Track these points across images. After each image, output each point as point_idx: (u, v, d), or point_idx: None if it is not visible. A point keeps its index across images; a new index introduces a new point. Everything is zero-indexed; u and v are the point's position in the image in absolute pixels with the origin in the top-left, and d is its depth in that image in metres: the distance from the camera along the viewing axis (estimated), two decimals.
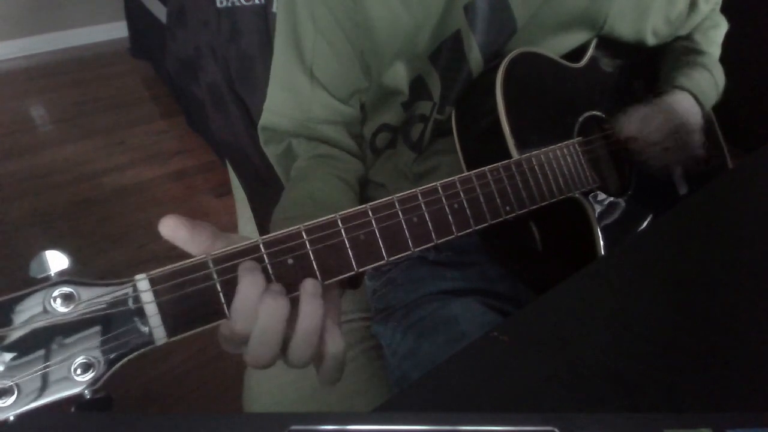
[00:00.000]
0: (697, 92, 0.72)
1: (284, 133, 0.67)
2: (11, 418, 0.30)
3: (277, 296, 0.36)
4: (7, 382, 0.30)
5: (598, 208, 0.63)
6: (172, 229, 0.36)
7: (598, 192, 0.64)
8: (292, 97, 0.65)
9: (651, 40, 0.76)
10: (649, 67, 0.80)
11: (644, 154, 0.68)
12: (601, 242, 0.61)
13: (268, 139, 0.69)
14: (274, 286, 0.37)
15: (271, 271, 0.38)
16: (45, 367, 0.31)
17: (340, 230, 0.41)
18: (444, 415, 0.29)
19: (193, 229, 0.37)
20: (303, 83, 0.64)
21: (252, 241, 0.38)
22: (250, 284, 0.36)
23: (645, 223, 0.69)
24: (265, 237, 0.38)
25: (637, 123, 0.67)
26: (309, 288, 0.38)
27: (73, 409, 0.32)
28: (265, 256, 0.38)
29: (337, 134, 0.66)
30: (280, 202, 0.58)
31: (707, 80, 0.75)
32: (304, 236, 0.39)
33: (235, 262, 0.37)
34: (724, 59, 0.83)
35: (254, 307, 0.36)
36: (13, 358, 0.31)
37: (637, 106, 0.68)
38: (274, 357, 0.37)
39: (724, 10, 0.85)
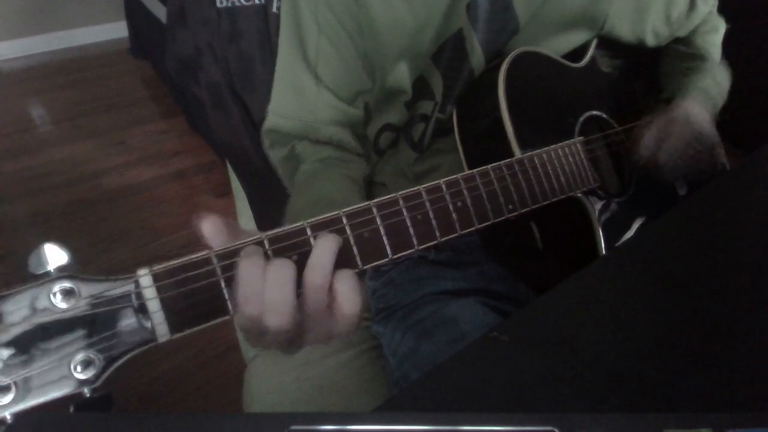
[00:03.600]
0: (704, 99, 0.72)
1: (289, 135, 0.66)
2: (8, 416, 0.29)
3: (281, 261, 0.37)
4: (5, 380, 0.30)
5: (598, 208, 0.63)
6: (215, 231, 0.37)
7: (599, 192, 0.64)
8: (298, 99, 0.65)
9: (651, 41, 0.76)
10: (650, 68, 0.80)
11: (664, 166, 0.67)
12: (602, 242, 0.61)
13: (274, 142, 0.68)
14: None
15: None
16: (44, 365, 0.31)
17: (344, 227, 0.40)
18: (444, 415, 0.29)
19: (232, 232, 0.37)
20: (308, 84, 0.63)
21: (256, 237, 0.38)
22: (251, 264, 0.36)
23: (644, 224, 0.69)
24: (269, 233, 0.38)
25: (649, 145, 0.66)
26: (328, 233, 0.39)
27: (72, 408, 0.32)
28: (269, 252, 0.38)
29: (342, 135, 0.66)
30: (289, 207, 0.58)
31: (712, 86, 0.75)
32: (308, 232, 0.39)
33: (238, 258, 0.36)
34: (722, 59, 0.83)
35: (260, 286, 0.35)
36: (11, 355, 0.30)
37: (651, 122, 0.67)
38: (293, 329, 0.37)
39: (724, 10, 0.85)
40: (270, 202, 0.86)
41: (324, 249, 0.38)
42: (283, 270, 0.36)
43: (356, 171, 0.65)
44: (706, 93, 0.73)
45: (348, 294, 0.38)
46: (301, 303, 0.37)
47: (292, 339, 0.39)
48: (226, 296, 0.36)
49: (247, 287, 0.35)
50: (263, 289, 0.36)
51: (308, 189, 0.60)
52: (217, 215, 0.37)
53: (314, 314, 0.38)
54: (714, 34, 0.84)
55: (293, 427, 0.27)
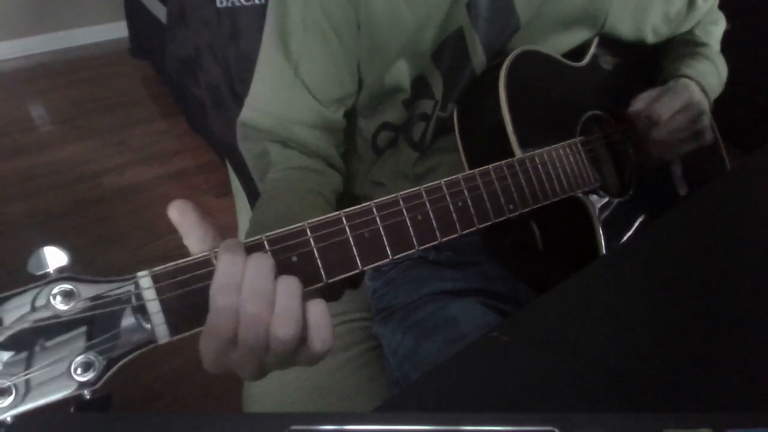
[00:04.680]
0: (701, 80, 0.72)
1: (262, 132, 0.64)
2: (8, 419, 0.29)
3: (262, 255, 0.35)
4: (5, 382, 0.29)
5: (599, 208, 0.63)
6: (181, 212, 0.36)
7: (599, 191, 0.64)
8: (274, 95, 0.64)
9: (651, 39, 0.76)
10: (651, 66, 0.80)
11: (654, 131, 0.68)
12: (603, 242, 0.61)
13: (245, 136, 0.67)
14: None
15: None
16: (44, 367, 0.31)
17: (344, 228, 0.40)
18: (444, 415, 0.29)
19: (202, 219, 0.36)
20: (286, 82, 0.62)
21: (256, 238, 0.38)
22: (231, 257, 0.34)
23: (645, 224, 0.69)
24: (268, 234, 0.38)
25: (648, 101, 0.68)
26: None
27: (72, 409, 0.31)
28: (269, 253, 0.38)
29: (314, 139, 0.64)
30: (255, 217, 0.55)
31: (710, 69, 0.76)
32: (309, 233, 0.39)
33: None
34: (723, 58, 0.83)
35: (238, 276, 0.34)
36: (11, 357, 0.30)
37: (648, 90, 0.69)
38: (265, 336, 0.34)
39: (724, 9, 0.85)
40: None
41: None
42: (263, 259, 0.35)
43: (327, 185, 0.63)
44: (702, 76, 0.74)
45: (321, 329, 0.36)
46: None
47: (260, 354, 0.35)
48: None
49: (226, 275, 0.34)
50: (243, 278, 0.34)
51: (275, 204, 0.57)
52: (184, 200, 0.36)
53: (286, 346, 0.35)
54: (714, 26, 0.84)
55: (293, 427, 0.27)
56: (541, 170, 0.55)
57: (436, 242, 0.45)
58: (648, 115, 0.67)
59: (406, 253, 0.43)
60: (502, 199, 0.50)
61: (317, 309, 0.36)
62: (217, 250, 0.35)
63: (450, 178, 0.47)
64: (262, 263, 0.35)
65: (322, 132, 0.64)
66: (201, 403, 1.28)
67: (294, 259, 0.38)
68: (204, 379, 1.32)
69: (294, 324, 0.35)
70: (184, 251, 0.36)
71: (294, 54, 0.61)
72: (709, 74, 0.75)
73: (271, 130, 0.64)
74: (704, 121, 0.70)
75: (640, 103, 0.68)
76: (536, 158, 0.55)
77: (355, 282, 0.49)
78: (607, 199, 0.65)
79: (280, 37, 0.62)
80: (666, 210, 0.61)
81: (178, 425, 0.28)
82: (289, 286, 0.35)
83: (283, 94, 0.63)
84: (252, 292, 0.34)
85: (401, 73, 0.64)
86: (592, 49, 0.71)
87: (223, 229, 0.38)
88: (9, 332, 0.30)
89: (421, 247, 0.44)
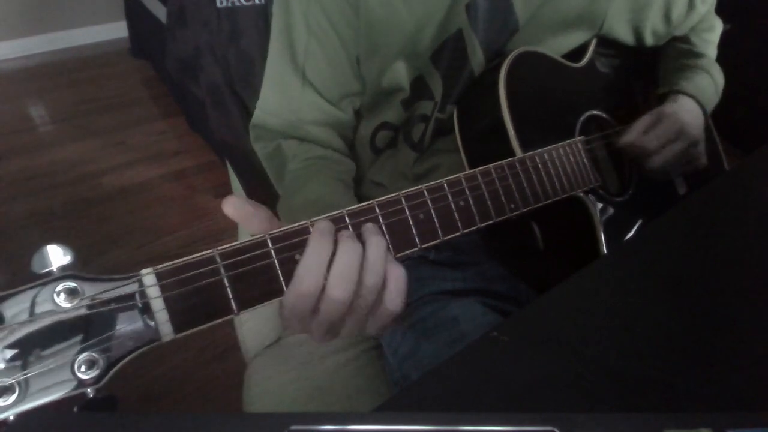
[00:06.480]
0: (699, 96, 0.72)
1: (274, 132, 0.67)
2: (11, 417, 0.29)
3: (353, 237, 0.39)
4: (8, 380, 0.29)
5: (599, 207, 0.63)
6: (237, 205, 0.38)
7: (599, 191, 0.64)
8: (283, 98, 0.65)
9: (649, 40, 0.76)
10: (649, 67, 0.80)
11: (647, 161, 0.68)
12: (603, 241, 0.61)
13: (258, 137, 0.69)
14: (346, 232, 0.40)
15: (278, 267, 0.38)
16: (47, 365, 0.30)
17: (347, 226, 0.41)
18: (444, 415, 0.29)
19: (256, 206, 0.39)
20: (294, 85, 0.64)
21: (259, 236, 0.38)
22: (323, 237, 0.38)
23: (645, 223, 0.69)
24: (272, 232, 0.38)
25: (639, 131, 0.67)
26: (370, 227, 0.42)
27: (76, 409, 0.31)
28: (272, 251, 0.38)
29: (326, 136, 0.66)
30: (281, 207, 0.58)
31: (708, 83, 0.76)
32: (311, 231, 0.39)
33: (241, 257, 0.37)
34: (722, 59, 0.83)
35: (327, 258, 0.38)
36: (14, 356, 0.30)
37: (641, 117, 0.68)
38: (346, 306, 0.39)
39: (724, 9, 0.85)
40: (269, 202, 0.86)
41: (380, 242, 0.40)
42: (353, 245, 0.39)
43: (345, 172, 0.66)
44: (700, 90, 0.73)
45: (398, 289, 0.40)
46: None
47: (335, 322, 0.40)
48: (230, 295, 0.36)
49: (315, 256, 0.38)
50: (331, 261, 0.38)
51: (300, 191, 0.60)
52: (235, 196, 0.39)
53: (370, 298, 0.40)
54: (710, 33, 0.84)
55: (293, 427, 0.27)
56: (541, 169, 0.55)
57: (438, 241, 0.45)
58: (639, 148, 0.66)
59: (408, 252, 0.43)
60: (503, 199, 0.51)
61: (397, 272, 0.41)
62: (220, 248, 0.36)
63: (451, 177, 0.47)
64: (353, 248, 0.39)
65: (332, 129, 0.67)
66: (201, 403, 1.28)
67: (298, 257, 0.39)
68: (204, 379, 1.32)
69: (378, 283, 0.39)
70: (184, 251, 0.36)
71: (300, 58, 0.63)
72: (706, 88, 0.75)
73: (285, 130, 0.66)
74: (697, 148, 0.70)
75: (632, 134, 0.67)
76: (537, 158, 0.55)
77: None
78: (607, 199, 0.65)
79: (286, 42, 0.63)
80: (666, 209, 0.61)
81: (178, 425, 0.28)
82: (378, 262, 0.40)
83: (294, 99, 0.65)
84: (339, 274, 0.38)
85: (400, 73, 0.64)
86: (591, 50, 0.71)
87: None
88: (12, 330, 0.30)
89: (424, 246, 0.44)
